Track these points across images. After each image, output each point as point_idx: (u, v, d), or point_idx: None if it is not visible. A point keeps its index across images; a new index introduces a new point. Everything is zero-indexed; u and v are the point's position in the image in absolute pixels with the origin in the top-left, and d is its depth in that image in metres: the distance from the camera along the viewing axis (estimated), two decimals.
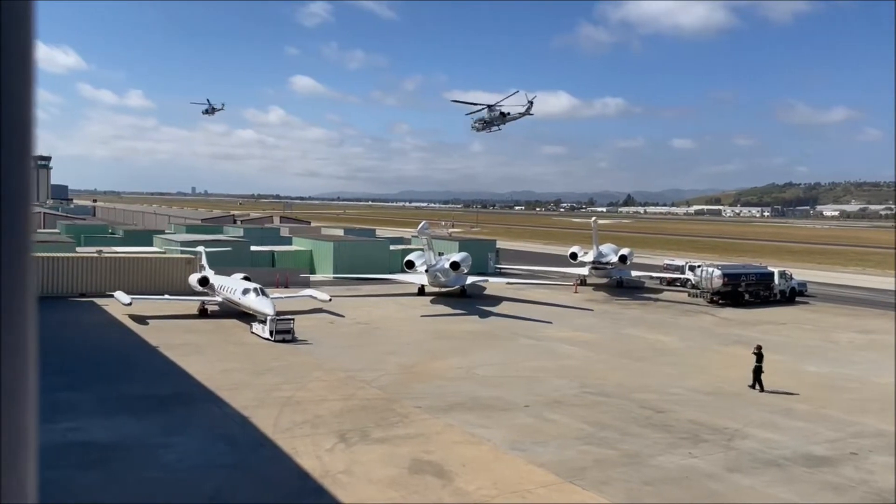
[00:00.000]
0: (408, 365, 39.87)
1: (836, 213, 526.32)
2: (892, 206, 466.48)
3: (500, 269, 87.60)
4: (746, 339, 48.68)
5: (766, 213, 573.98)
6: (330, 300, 55.66)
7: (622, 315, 60.49)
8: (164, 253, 72.47)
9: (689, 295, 71.13)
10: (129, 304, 50.56)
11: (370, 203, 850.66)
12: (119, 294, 52.08)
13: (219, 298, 53.41)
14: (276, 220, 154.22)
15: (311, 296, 56.75)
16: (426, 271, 65.66)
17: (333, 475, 23.33)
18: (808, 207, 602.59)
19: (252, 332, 46.77)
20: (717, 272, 67.96)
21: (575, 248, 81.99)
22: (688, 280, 74.07)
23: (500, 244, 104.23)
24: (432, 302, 63.98)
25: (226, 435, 27.09)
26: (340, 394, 33.36)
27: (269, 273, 69.31)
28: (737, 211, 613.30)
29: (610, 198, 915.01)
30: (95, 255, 64.49)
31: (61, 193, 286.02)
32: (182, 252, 68.74)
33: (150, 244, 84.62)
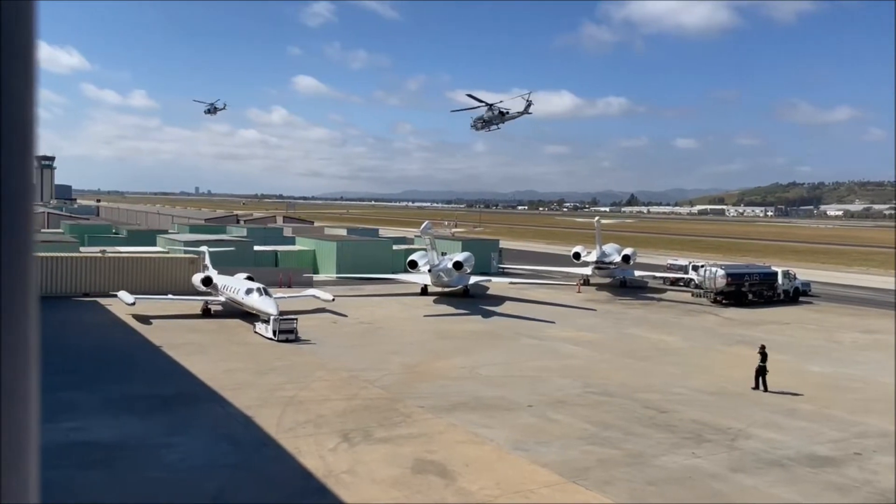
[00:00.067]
0: (411, 365, 39.88)
1: (840, 213, 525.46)
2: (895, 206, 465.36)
3: (503, 268, 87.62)
4: (750, 339, 48.62)
5: (769, 213, 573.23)
6: (333, 300, 55.69)
7: (625, 315, 60.44)
8: (168, 253, 72.59)
9: (692, 295, 71.03)
10: (133, 303, 50.70)
11: (373, 203, 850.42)
12: (122, 294, 52.19)
13: (222, 298, 53.47)
14: (280, 220, 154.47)
15: (314, 295, 56.81)
16: (429, 271, 65.68)
17: (336, 475, 23.33)
18: (811, 207, 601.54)
19: (255, 332, 46.81)
20: (721, 272, 67.87)
21: (578, 248, 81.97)
22: (691, 280, 73.98)
23: (503, 244, 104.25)
24: (435, 302, 63.99)
25: (229, 435, 27.12)
26: (343, 393, 33.37)
27: (272, 273, 69.37)
28: (740, 211, 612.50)
29: (613, 197, 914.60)
30: (99, 254, 64.63)
31: (65, 193, 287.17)
32: (185, 252, 68.86)
33: (154, 244, 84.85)
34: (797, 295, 71.94)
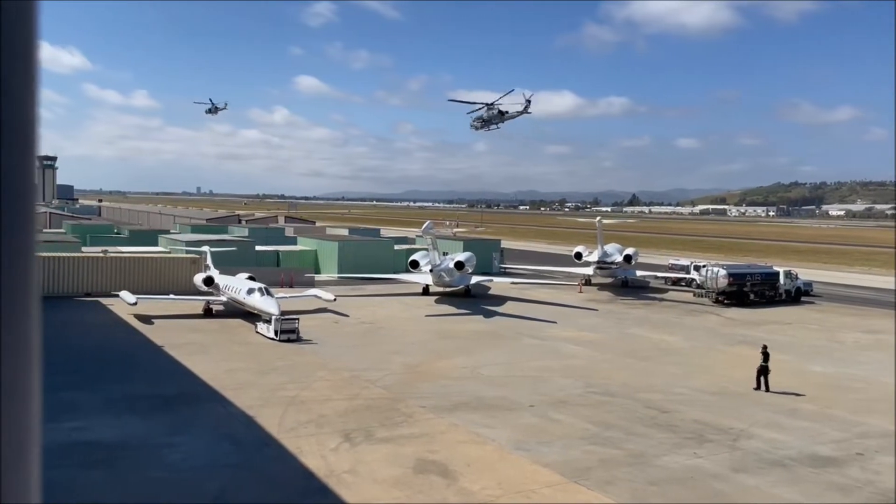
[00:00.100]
0: (412, 364, 39.87)
1: (842, 213, 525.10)
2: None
3: (505, 268, 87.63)
4: (752, 339, 48.59)
5: (771, 213, 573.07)
6: (334, 300, 55.69)
7: (627, 315, 60.40)
8: (170, 253, 72.59)
9: (694, 295, 70.99)
10: (135, 303, 50.73)
11: (374, 203, 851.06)
12: (124, 294, 52.22)
13: (224, 298, 53.50)
14: (281, 220, 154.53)
15: (315, 295, 56.81)
16: (431, 271, 65.70)
17: (338, 475, 23.34)
18: (813, 207, 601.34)
19: (257, 332, 46.83)
20: (723, 272, 67.82)
21: (580, 248, 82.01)
22: (693, 280, 73.91)
23: (505, 244, 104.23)
24: (437, 302, 63.99)
25: (230, 434, 27.13)
26: (345, 393, 33.38)
27: (273, 273, 69.39)
28: (742, 210, 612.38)
29: (615, 197, 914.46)
30: (101, 254, 64.70)
31: (67, 193, 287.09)
32: (187, 252, 68.84)
33: (156, 244, 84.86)
34: (799, 295, 71.87)
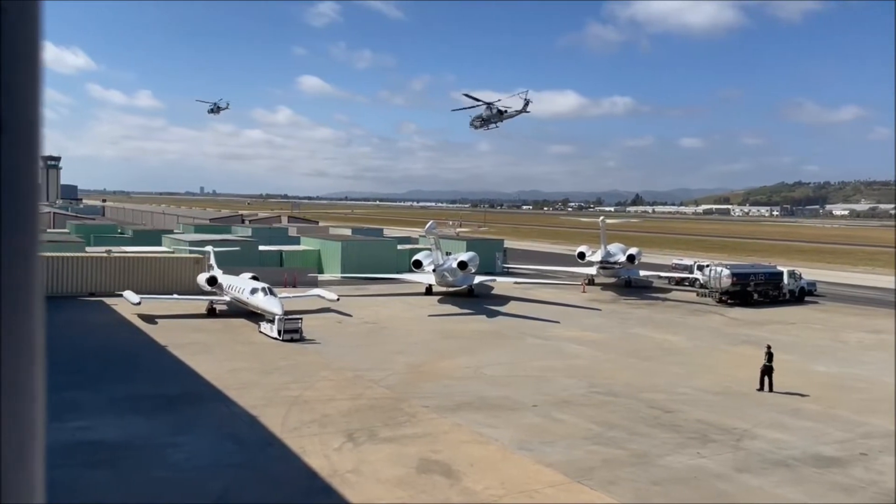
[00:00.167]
0: (415, 364, 39.89)
1: (846, 213, 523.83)
2: None
3: (508, 268, 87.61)
4: (755, 339, 48.53)
5: (775, 213, 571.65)
6: (338, 300, 55.73)
7: (630, 315, 60.36)
8: (173, 253, 72.70)
9: (697, 295, 70.91)
10: (138, 303, 50.79)
11: (378, 203, 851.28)
12: (128, 293, 52.31)
13: (227, 298, 53.57)
14: (285, 220, 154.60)
15: (318, 295, 56.84)
16: (434, 271, 65.71)
17: (341, 474, 23.35)
18: (817, 207, 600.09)
19: (260, 332, 46.87)
20: (726, 272, 67.75)
21: (583, 248, 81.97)
22: (696, 280, 73.81)
23: (508, 244, 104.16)
24: (440, 301, 64.00)
25: (234, 434, 27.16)
26: (348, 393, 33.40)
27: (277, 273, 69.42)
28: (746, 210, 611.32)
29: (618, 197, 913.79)
30: (105, 254, 64.86)
31: (71, 193, 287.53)
32: (191, 252, 68.98)
33: (159, 244, 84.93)
34: (803, 295, 71.79)
